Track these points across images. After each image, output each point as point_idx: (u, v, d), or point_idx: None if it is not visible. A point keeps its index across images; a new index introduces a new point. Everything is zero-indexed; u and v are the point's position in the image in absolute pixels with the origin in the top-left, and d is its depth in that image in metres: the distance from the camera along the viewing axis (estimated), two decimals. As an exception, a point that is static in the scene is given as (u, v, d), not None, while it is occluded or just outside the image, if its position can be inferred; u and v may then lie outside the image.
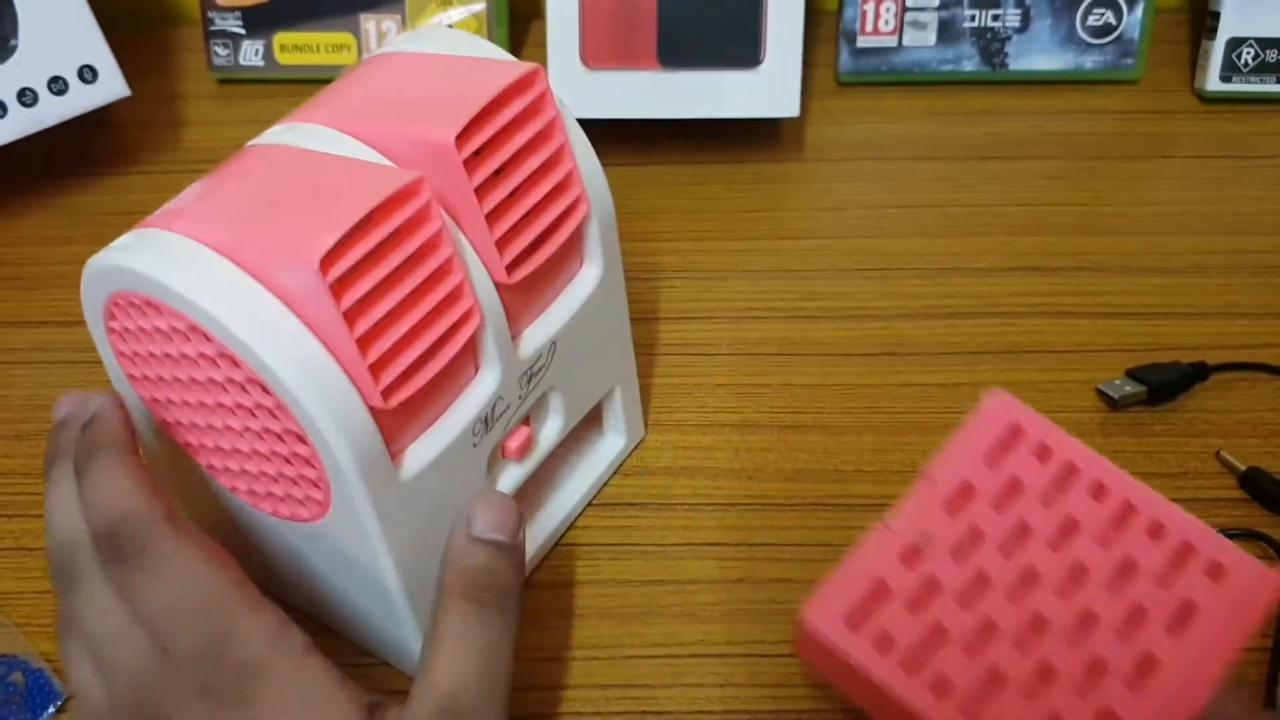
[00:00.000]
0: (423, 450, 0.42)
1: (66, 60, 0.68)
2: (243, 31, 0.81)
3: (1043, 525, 0.35)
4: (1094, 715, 0.33)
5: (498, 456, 0.46)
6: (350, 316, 0.37)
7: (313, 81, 0.78)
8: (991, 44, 0.79)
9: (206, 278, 0.38)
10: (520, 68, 0.43)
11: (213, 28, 0.81)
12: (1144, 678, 0.33)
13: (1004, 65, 0.79)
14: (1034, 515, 0.35)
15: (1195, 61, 0.80)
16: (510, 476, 0.47)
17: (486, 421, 0.44)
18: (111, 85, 0.70)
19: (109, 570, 0.38)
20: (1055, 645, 0.34)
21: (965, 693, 0.33)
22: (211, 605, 0.37)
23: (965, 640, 0.34)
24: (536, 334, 0.46)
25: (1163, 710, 0.33)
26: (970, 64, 0.79)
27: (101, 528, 0.38)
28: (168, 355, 0.40)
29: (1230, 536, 0.50)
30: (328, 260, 0.36)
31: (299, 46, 0.81)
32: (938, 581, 0.35)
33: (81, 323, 0.43)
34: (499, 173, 0.42)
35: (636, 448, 0.56)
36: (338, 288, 0.37)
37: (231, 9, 0.81)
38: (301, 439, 0.39)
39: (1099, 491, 0.36)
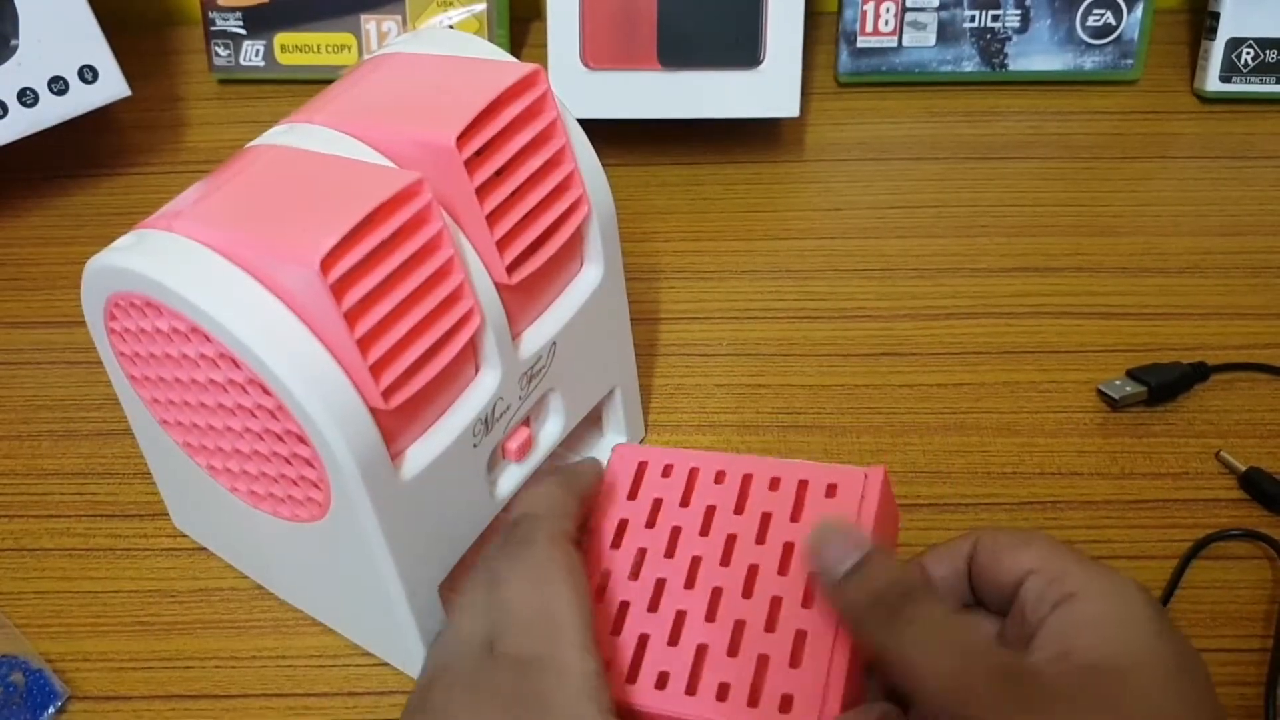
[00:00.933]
0: (423, 451, 0.42)
1: (67, 60, 0.68)
2: (243, 32, 0.81)
3: (689, 522, 0.42)
4: (788, 641, 0.37)
5: (498, 457, 0.46)
6: (351, 317, 0.37)
7: (313, 82, 0.78)
8: (991, 44, 0.79)
9: (207, 279, 0.38)
10: (521, 68, 0.43)
11: (213, 28, 0.81)
12: (811, 594, 0.39)
13: (1004, 66, 0.79)
14: (679, 518, 0.42)
15: (1195, 62, 0.80)
16: (510, 477, 0.47)
17: (487, 422, 0.44)
18: (112, 85, 0.70)
19: (496, 551, 0.39)
20: (737, 604, 0.39)
21: (680, 675, 0.38)
22: (546, 624, 0.36)
23: (665, 635, 0.39)
24: (537, 334, 0.46)
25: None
26: (970, 64, 0.80)
27: (514, 517, 0.40)
28: (168, 356, 0.41)
29: (1230, 537, 0.51)
30: (328, 261, 0.36)
31: (299, 47, 0.81)
32: (627, 602, 0.40)
33: (82, 323, 0.43)
34: (500, 173, 0.42)
35: (636, 448, 0.56)
36: (338, 288, 0.37)
37: (232, 9, 0.81)
38: (302, 440, 0.39)
39: (720, 477, 0.43)
